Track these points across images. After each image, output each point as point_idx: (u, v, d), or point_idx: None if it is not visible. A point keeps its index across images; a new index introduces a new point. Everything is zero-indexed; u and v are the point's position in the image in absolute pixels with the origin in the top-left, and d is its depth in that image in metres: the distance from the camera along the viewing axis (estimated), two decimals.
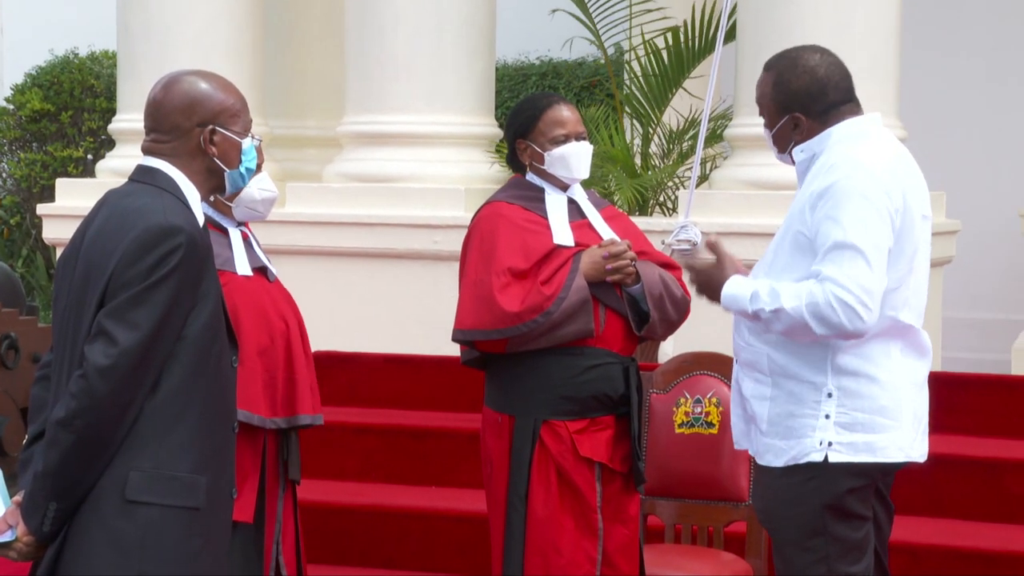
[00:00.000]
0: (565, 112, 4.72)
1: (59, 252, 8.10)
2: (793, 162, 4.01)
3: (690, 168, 7.52)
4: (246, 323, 4.55)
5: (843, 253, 3.74)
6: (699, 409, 5.23)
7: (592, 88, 10.97)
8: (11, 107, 12.25)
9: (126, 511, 3.29)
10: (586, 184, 4.87)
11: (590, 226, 4.74)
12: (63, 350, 3.41)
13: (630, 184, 7.43)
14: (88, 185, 8.35)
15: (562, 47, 8.56)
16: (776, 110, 3.95)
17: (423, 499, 6.49)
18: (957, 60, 9.52)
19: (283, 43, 8.78)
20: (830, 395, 3.82)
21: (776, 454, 3.87)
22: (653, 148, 8.11)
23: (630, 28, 8.25)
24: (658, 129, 8.07)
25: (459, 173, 7.67)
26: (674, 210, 7.80)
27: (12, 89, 12.33)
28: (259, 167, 3.63)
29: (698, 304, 4.34)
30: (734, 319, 4.03)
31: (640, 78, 8.02)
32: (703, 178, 7.69)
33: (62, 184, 8.56)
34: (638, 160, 7.99)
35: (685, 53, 7.86)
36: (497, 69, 8.65)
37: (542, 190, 4.75)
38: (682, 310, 4.74)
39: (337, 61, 8.24)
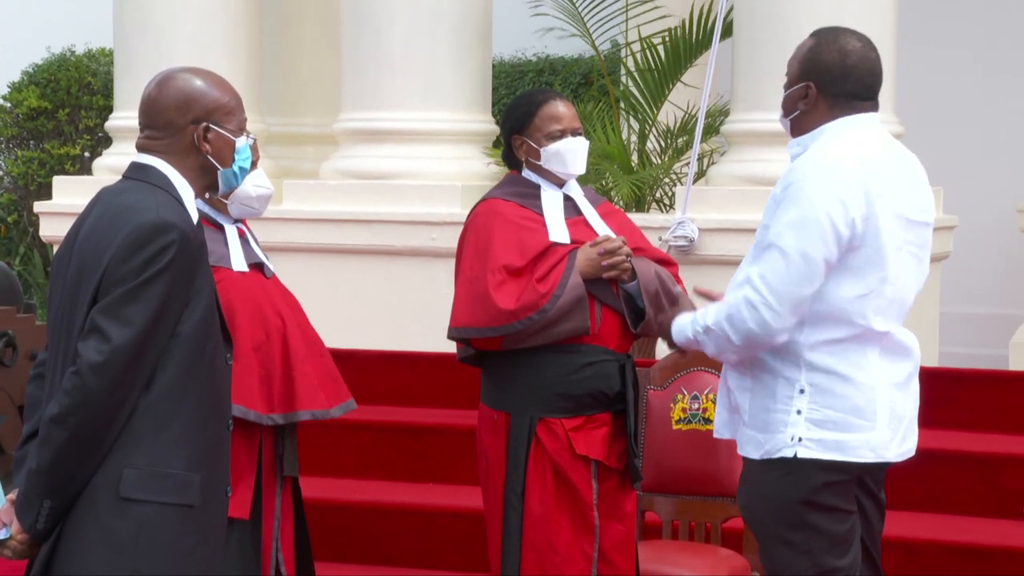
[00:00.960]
0: (561, 108, 4.72)
1: (56, 250, 8.11)
2: (790, 128, 4.00)
3: (687, 164, 7.52)
4: (241, 319, 4.55)
5: (767, 253, 3.78)
6: (696, 405, 5.24)
7: (589, 85, 10.97)
8: (8, 105, 12.25)
9: (120, 509, 3.28)
10: (583, 181, 4.87)
11: (586, 223, 4.73)
12: (57, 347, 3.41)
13: (627, 180, 7.43)
14: (85, 183, 8.35)
15: (547, 38, 8.53)
16: (798, 73, 3.95)
17: (421, 496, 6.49)
18: (951, 54, 9.52)
19: (279, 40, 8.78)
20: (802, 391, 3.82)
21: (755, 446, 3.90)
22: (650, 144, 8.11)
23: (626, 24, 8.25)
24: (654, 125, 8.07)
25: (455, 170, 7.67)
26: (671, 206, 7.80)
27: (9, 87, 12.33)
28: (254, 164, 3.63)
29: (697, 300, 4.34)
30: None
31: (636, 74, 8.02)
32: (700, 174, 7.69)
33: (59, 182, 8.56)
34: (635, 157, 7.99)
35: (682, 49, 7.85)
36: (493, 66, 8.65)
37: (538, 187, 4.75)
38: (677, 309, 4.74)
39: (333, 58, 8.23)
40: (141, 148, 3.49)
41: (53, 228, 8.15)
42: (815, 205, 3.75)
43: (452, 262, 4.82)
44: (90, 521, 3.29)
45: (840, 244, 3.76)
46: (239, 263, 4.66)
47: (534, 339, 4.58)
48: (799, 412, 3.82)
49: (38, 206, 8.50)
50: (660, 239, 7.01)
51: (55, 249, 8.07)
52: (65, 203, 8.11)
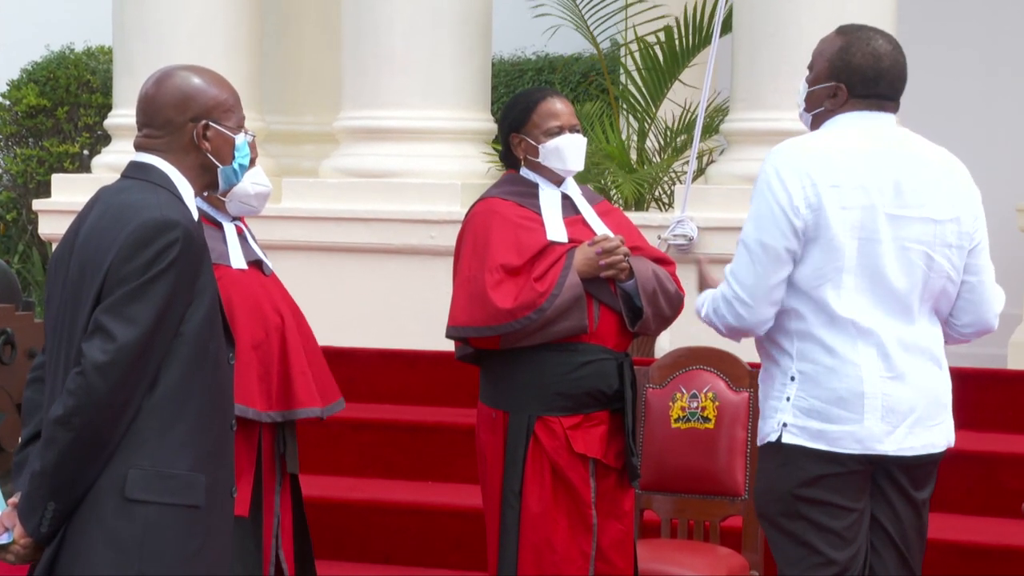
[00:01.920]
0: (558, 104, 4.72)
1: (55, 248, 8.11)
2: (810, 123, 4.04)
3: (686, 163, 7.52)
4: (241, 317, 4.55)
5: (737, 248, 3.92)
6: (695, 404, 5.24)
7: (588, 83, 10.97)
8: (7, 103, 12.25)
9: (125, 510, 3.26)
10: (582, 178, 4.87)
11: (584, 222, 4.73)
12: (58, 348, 3.38)
13: (629, 179, 7.43)
14: (84, 181, 8.35)
15: (543, 34, 8.52)
16: (827, 72, 3.97)
17: (420, 494, 6.49)
18: (952, 53, 9.51)
19: (279, 39, 8.78)
20: (793, 379, 3.89)
21: (759, 434, 3.99)
22: (649, 143, 8.11)
23: (625, 22, 8.25)
24: (654, 124, 8.07)
25: (455, 168, 7.67)
26: (670, 205, 7.80)
27: (8, 85, 12.33)
28: (252, 162, 3.62)
29: (692, 298, 4.35)
30: None
31: (635, 73, 8.01)
32: (699, 173, 7.69)
33: (58, 180, 8.55)
34: (634, 155, 7.98)
35: (680, 48, 7.85)
36: (493, 64, 8.65)
37: (536, 186, 4.75)
38: (676, 305, 4.75)
39: (333, 57, 8.23)
40: (140, 147, 3.47)
41: (52, 226, 8.15)
42: (767, 196, 3.87)
43: (452, 261, 4.81)
44: (95, 523, 3.26)
45: (796, 233, 3.84)
46: (238, 261, 4.66)
47: (532, 338, 4.58)
48: (788, 399, 3.88)
49: (37, 204, 8.50)
50: (659, 238, 7.01)
51: (54, 247, 8.08)
52: (64, 201, 8.11)
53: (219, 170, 3.48)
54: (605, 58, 8.45)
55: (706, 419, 5.21)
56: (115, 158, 8.06)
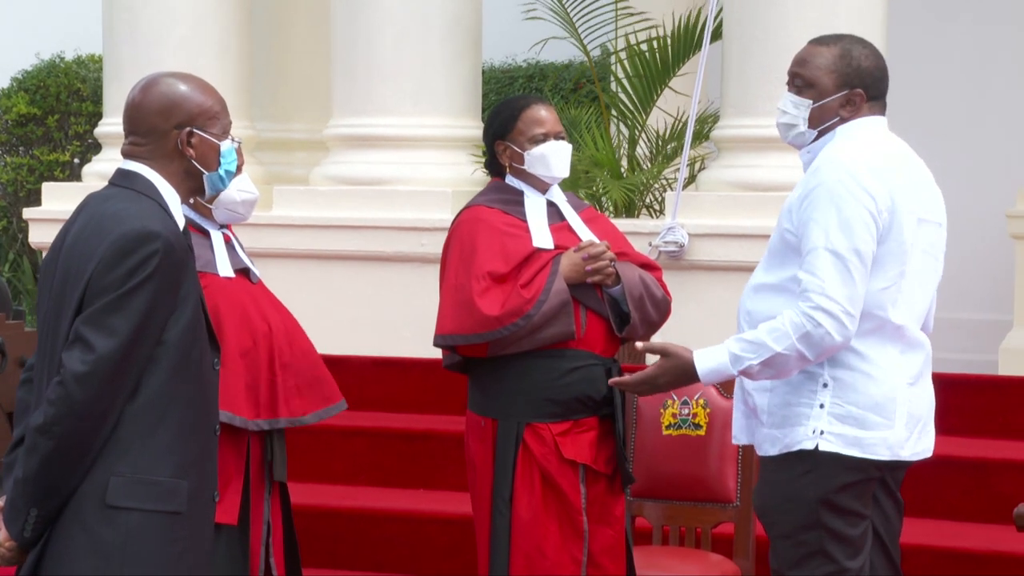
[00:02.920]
0: (543, 112, 4.73)
1: (45, 255, 8.10)
2: (798, 145, 4.00)
3: (676, 170, 7.52)
4: (228, 324, 4.54)
5: (824, 259, 3.75)
6: (686, 411, 5.24)
7: (579, 90, 10.97)
8: None
9: (107, 517, 3.28)
10: (573, 186, 4.88)
11: (569, 228, 4.74)
12: (44, 355, 3.40)
13: (619, 186, 7.43)
14: (75, 189, 8.33)
15: (533, 47, 8.53)
16: (836, 82, 3.92)
17: (411, 502, 6.48)
18: (942, 60, 9.53)
19: (269, 46, 8.77)
20: (826, 385, 3.84)
21: (772, 443, 3.90)
22: (640, 150, 8.11)
23: (616, 30, 8.25)
24: (644, 131, 8.07)
25: (446, 175, 7.66)
26: (661, 212, 7.80)
27: None
28: (239, 169, 3.62)
29: (684, 305, 4.35)
30: (737, 318, 4.04)
31: (625, 80, 8.02)
32: (690, 180, 7.69)
33: (48, 188, 8.54)
34: (624, 162, 7.98)
35: (670, 55, 7.86)
36: (484, 71, 8.65)
37: (521, 193, 4.76)
38: (663, 310, 4.75)
39: (324, 64, 8.23)
40: (126, 154, 3.48)
41: (42, 235, 8.13)
42: (851, 202, 3.77)
43: None
44: (77, 529, 3.28)
45: (878, 238, 3.79)
46: (225, 268, 4.65)
47: (520, 345, 4.58)
48: (822, 406, 3.83)
49: (27, 212, 8.49)
50: (650, 245, 7.01)
51: (44, 256, 8.07)
52: (54, 209, 8.09)
53: (204, 176, 3.48)
54: (596, 66, 8.45)
55: (697, 426, 5.21)
56: (105, 166, 8.05)
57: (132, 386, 3.30)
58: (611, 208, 7.51)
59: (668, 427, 5.26)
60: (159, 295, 3.30)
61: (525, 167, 4.72)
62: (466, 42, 7.78)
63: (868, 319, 3.82)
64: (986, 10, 9.54)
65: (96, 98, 11.54)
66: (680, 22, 7.83)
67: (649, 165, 8.08)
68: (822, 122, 3.95)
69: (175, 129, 3.44)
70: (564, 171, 4.75)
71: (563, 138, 4.75)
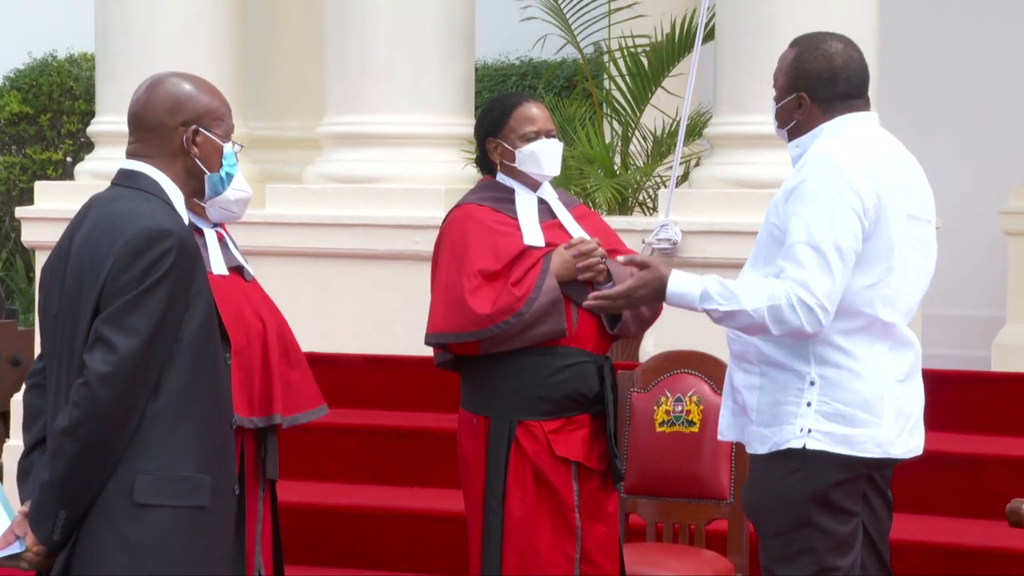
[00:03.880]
0: (534, 109, 4.73)
1: (39, 255, 8.07)
2: (787, 138, 4.03)
3: (670, 167, 7.52)
4: (222, 322, 4.54)
5: (805, 253, 3.77)
6: (680, 408, 5.24)
7: (572, 88, 10.98)
8: None
9: (136, 514, 3.31)
10: (566, 183, 4.88)
11: (560, 226, 4.75)
12: (58, 358, 3.42)
13: (608, 184, 7.43)
14: (67, 188, 8.32)
15: (534, 45, 8.54)
16: (787, 85, 3.98)
17: (405, 499, 6.48)
18: (934, 59, 9.54)
19: (263, 44, 8.76)
20: (813, 383, 3.84)
21: (761, 441, 3.91)
22: (633, 148, 8.12)
23: (609, 28, 8.25)
24: (638, 129, 8.08)
25: (439, 173, 7.66)
26: (654, 209, 7.81)
27: None
28: None
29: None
30: None
31: (619, 78, 8.02)
32: (683, 177, 7.70)
33: (41, 187, 8.53)
34: (618, 160, 7.99)
35: (664, 53, 7.86)
36: (477, 69, 8.65)
37: (512, 191, 4.76)
38: (654, 307, 4.75)
39: (317, 62, 8.22)
40: (130, 154, 3.50)
41: (35, 233, 8.12)
42: (836, 198, 3.79)
43: None
44: (105, 528, 3.31)
45: (862, 235, 3.80)
46: (219, 266, 4.65)
47: (511, 342, 4.58)
48: (809, 404, 3.84)
49: (20, 211, 8.47)
50: (643, 242, 7.01)
51: (37, 255, 8.06)
52: (47, 208, 8.07)
53: (206, 177, 3.50)
54: (589, 63, 8.45)
55: (691, 423, 5.21)
56: (98, 165, 8.03)
57: (153, 384, 3.33)
58: (604, 206, 7.52)
59: (662, 424, 5.26)
60: (175, 291, 3.33)
61: (516, 165, 4.73)
62: (459, 40, 7.78)
63: (855, 316, 3.83)
64: (979, 3, 9.56)
65: (89, 97, 11.53)
66: (675, 21, 7.83)
67: (642, 163, 8.09)
68: (785, 123, 4.00)
69: (181, 126, 3.46)
70: (555, 169, 4.75)
71: (554, 136, 4.76)
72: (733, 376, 4.01)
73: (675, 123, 7.85)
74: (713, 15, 7.40)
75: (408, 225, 7.48)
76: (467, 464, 4.72)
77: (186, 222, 3.44)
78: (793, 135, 4.01)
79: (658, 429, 5.26)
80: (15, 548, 3.37)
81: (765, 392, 3.91)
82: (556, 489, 4.61)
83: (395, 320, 7.40)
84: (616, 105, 8.05)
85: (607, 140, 8.02)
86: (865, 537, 3.97)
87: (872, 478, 3.96)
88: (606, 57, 8.41)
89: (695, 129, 7.86)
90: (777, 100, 4.02)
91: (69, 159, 11.90)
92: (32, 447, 3.48)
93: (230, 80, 7.90)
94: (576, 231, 4.74)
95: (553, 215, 4.77)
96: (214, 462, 3.40)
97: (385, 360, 7.25)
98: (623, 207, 7.75)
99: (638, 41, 7.96)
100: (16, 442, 6.96)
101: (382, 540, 6.33)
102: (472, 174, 7.68)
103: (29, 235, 8.28)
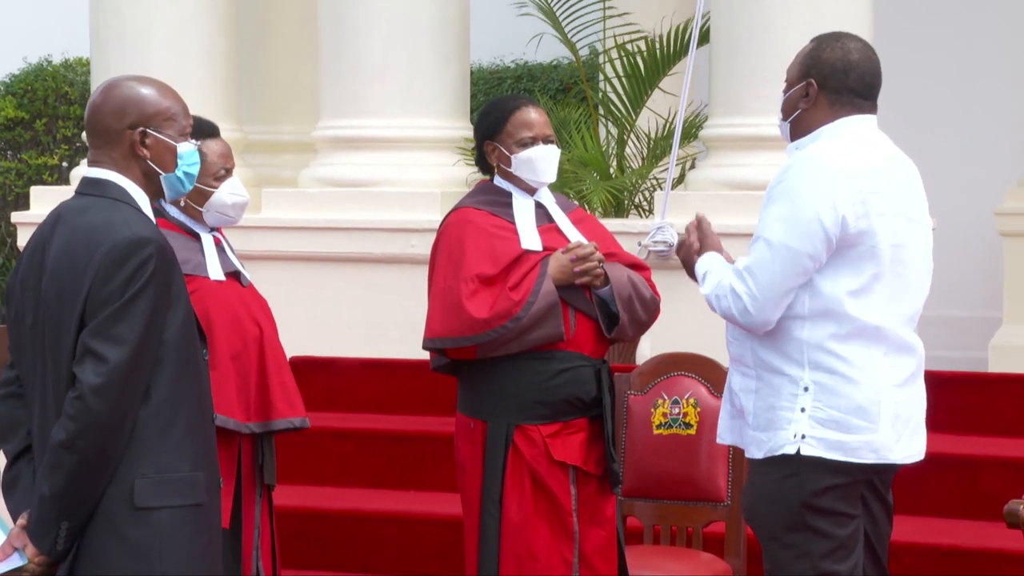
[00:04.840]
0: (533, 114, 4.72)
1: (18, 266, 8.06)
2: (789, 135, 4.02)
3: (665, 169, 7.52)
4: (219, 328, 4.54)
5: (756, 245, 3.84)
6: (677, 410, 5.24)
7: (567, 91, 10.97)
8: None
9: (138, 518, 3.34)
10: (561, 186, 4.87)
11: (558, 230, 4.74)
12: (40, 370, 3.42)
13: (602, 186, 7.43)
14: (63, 192, 8.31)
15: (527, 44, 8.54)
16: (798, 73, 3.98)
17: (401, 503, 6.48)
18: (929, 57, 9.54)
19: (257, 48, 8.76)
20: (807, 389, 3.84)
21: (758, 446, 3.91)
22: (629, 150, 8.11)
23: (604, 31, 8.25)
24: (633, 132, 8.07)
25: (435, 177, 7.66)
26: (650, 212, 7.81)
27: None
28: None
29: (674, 305, 4.35)
30: None
31: (614, 81, 8.02)
32: (679, 179, 7.69)
33: (37, 192, 8.53)
34: (614, 163, 7.99)
35: (659, 56, 7.86)
36: (472, 72, 8.64)
37: (509, 195, 4.75)
38: (652, 310, 4.75)
39: (311, 66, 8.22)
40: (91, 161, 3.51)
41: None
42: (805, 202, 3.79)
43: None
44: (108, 534, 3.34)
45: (828, 243, 3.79)
46: (216, 272, 4.64)
47: (508, 347, 4.58)
48: (803, 410, 3.83)
49: (16, 216, 8.47)
50: (639, 244, 7.00)
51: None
52: (43, 213, 8.05)
53: (162, 178, 3.49)
54: (584, 66, 8.45)
55: (688, 425, 5.21)
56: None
57: (144, 390, 3.36)
58: (599, 209, 7.52)
59: (659, 427, 5.26)
60: (158, 297, 3.36)
61: (512, 170, 4.72)
62: (454, 43, 7.78)
63: (842, 321, 3.82)
64: (972, 5, 9.55)
65: (84, 102, 11.51)
66: (671, 24, 7.83)
67: (638, 165, 8.08)
68: (789, 113, 3.99)
69: (128, 129, 3.46)
70: (551, 176, 4.74)
71: (552, 141, 4.74)
72: (732, 379, 4.01)
73: (670, 125, 7.85)
74: (708, 17, 7.40)
75: (404, 228, 7.47)
76: (464, 468, 4.72)
77: (153, 222, 3.45)
78: (795, 131, 3.98)
79: (655, 431, 5.26)
80: (15, 561, 3.39)
81: (761, 396, 3.91)
82: (554, 493, 4.60)
83: (391, 324, 7.40)
84: (612, 107, 8.04)
85: (602, 143, 8.02)
86: (865, 541, 3.96)
87: (871, 483, 3.94)
88: (602, 58, 8.41)
89: (690, 131, 7.86)
90: (785, 91, 4.00)
91: (65, 164, 11.89)
92: (16, 457, 3.50)
93: (224, 84, 7.90)
94: (574, 235, 4.73)
95: (551, 219, 4.76)
96: (204, 458, 3.45)
97: (381, 364, 7.25)
98: (619, 210, 7.75)
99: (633, 44, 7.96)
100: None
101: (379, 544, 6.33)
102: (468, 178, 7.68)
103: (25, 240, 8.27)
